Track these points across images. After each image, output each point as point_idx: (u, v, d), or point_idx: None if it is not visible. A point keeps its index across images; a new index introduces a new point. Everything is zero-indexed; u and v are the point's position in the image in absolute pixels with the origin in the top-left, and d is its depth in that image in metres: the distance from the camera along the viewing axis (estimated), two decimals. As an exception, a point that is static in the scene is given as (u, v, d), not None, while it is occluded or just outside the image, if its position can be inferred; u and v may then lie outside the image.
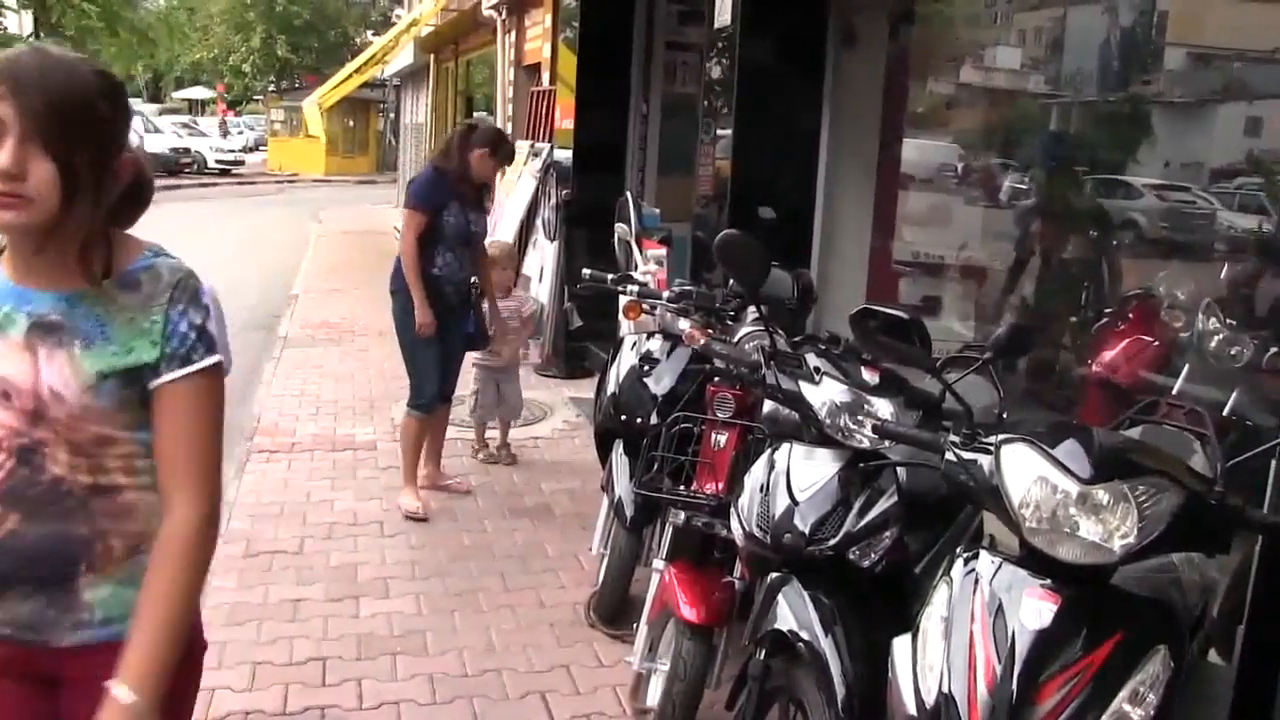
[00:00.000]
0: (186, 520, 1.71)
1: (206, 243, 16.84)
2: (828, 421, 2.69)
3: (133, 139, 1.80)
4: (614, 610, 4.21)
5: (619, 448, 4.18)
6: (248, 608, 4.34)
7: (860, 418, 2.66)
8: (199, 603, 1.85)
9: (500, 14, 14.48)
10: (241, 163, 34.93)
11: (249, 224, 20.06)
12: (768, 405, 3.20)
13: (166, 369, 1.69)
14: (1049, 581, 1.97)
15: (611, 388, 4.20)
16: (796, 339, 3.46)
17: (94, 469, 1.70)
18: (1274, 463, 2.42)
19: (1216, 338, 3.66)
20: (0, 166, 1.54)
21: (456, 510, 5.53)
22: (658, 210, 7.32)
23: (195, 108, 52.30)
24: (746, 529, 2.73)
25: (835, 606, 2.51)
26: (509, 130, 13.49)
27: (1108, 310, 4.66)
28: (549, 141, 9.86)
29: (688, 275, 7.22)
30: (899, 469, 2.64)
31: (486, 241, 5.77)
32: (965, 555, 2.13)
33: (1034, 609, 1.95)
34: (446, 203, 5.30)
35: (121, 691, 1.63)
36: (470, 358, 6.18)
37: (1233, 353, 3.61)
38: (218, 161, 32.99)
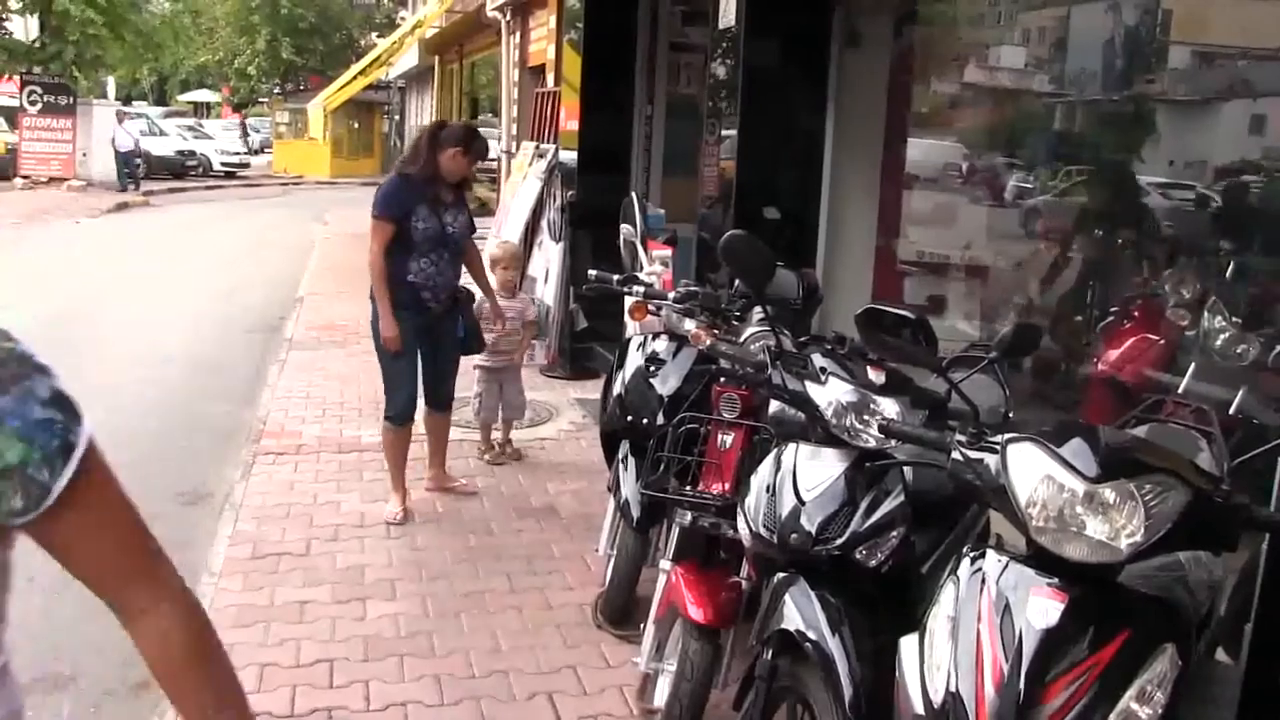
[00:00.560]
0: (168, 614, 1.44)
1: (211, 245, 16.90)
2: (834, 421, 2.69)
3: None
4: (621, 611, 4.21)
5: (625, 448, 4.18)
6: (254, 609, 4.34)
7: (866, 417, 2.66)
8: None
9: (505, 15, 14.50)
10: (247, 165, 34.98)
11: (254, 226, 20.07)
12: (773, 405, 3.20)
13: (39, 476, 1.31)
14: (1056, 580, 1.98)
15: (617, 388, 4.20)
16: (802, 339, 3.46)
17: None
18: (1280, 461, 2.42)
19: (1222, 336, 3.66)
20: None
21: (462, 511, 5.53)
22: (663, 211, 7.34)
23: (200, 110, 52.37)
24: (753, 529, 2.74)
25: (842, 606, 2.51)
26: (514, 131, 13.52)
27: (1113, 309, 4.66)
28: (554, 143, 9.86)
29: (693, 276, 7.22)
30: (905, 468, 2.65)
31: (494, 242, 5.76)
32: (972, 554, 2.13)
33: (1041, 608, 1.95)
34: (414, 207, 5.13)
35: None
36: (472, 359, 6.19)
37: (1239, 351, 3.60)
38: (223, 164, 33.03)
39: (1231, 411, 3.34)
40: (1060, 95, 5.59)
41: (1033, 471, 2.01)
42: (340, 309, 10.81)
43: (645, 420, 3.94)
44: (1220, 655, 2.70)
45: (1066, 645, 1.94)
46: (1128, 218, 4.95)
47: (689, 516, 3.43)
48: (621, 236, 5.31)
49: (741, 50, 6.19)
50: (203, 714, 1.42)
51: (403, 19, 29.15)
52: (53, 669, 4.02)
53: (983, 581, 2.05)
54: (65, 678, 3.98)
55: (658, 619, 3.50)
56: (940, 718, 2.00)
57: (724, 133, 8.27)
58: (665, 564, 3.52)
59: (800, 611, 2.53)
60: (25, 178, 24.57)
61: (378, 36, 35.30)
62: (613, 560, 4.27)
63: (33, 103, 24.90)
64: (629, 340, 4.38)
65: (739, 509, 2.86)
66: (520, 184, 10.16)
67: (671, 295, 4.11)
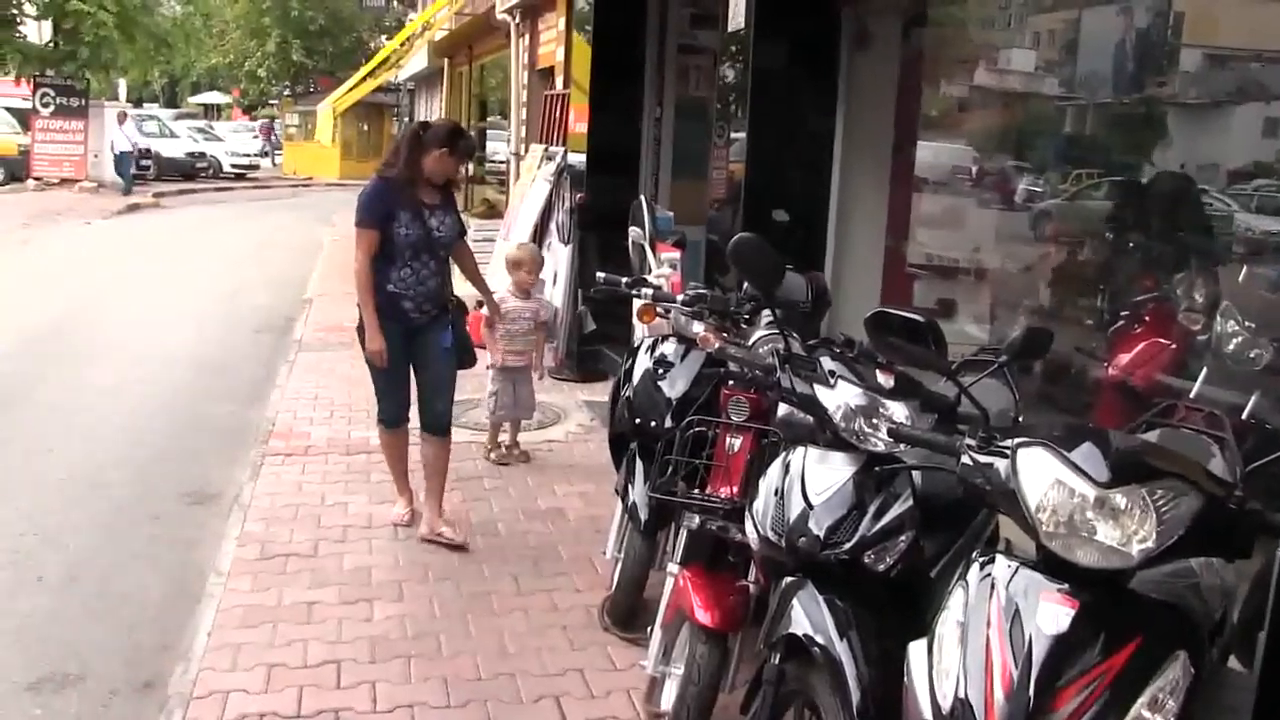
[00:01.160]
0: None
1: (220, 246, 16.94)
2: (842, 425, 2.68)
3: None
4: (628, 614, 4.20)
5: (633, 451, 4.17)
6: (262, 610, 4.34)
7: (875, 421, 2.65)
8: None
9: (514, 18, 14.51)
10: (256, 167, 35.07)
11: (263, 227, 20.12)
12: (782, 409, 3.19)
13: None
14: (1066, 586, 1.96)
15: (626, 391, 4.19)
16: (811, 342, 3.44)
17: None
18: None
19: (1235, 340, 3.63)
20: None
21: (471, 513, 5.52)
22: (672, 213, 7.32)
23: (211, 112, 52.53)
24: (761, 533, 2.73)
25: (850, 610, 2.50)
26: (523, 134, 13.53)
27: (1124, 313, 4.63)
28: (563, 145, 9.86)
29: (702, 278, 7.21)
30: (914, 472, 2.63)
31: (512, 244, 5.68)
32: (981, 559, 2.12)
33: (1051, 613, 1.94)
34: (395, 213, 4.86)
35: None
36: (485, 359, 6.18)
37: (1251, 355, 3.58)
38: (233, 166, 33.13)
39: (1244, 416, 3.32)
40: (1071, 98, 5.57)
41: (1043, 476, 2.00)
42: (348, 310, 10.71)
43: (653, 423, 3.93)
44: (1233, 663, 2.68)
45: (1077, 652, 1.92)
46: (1138, 221, 4.93)
47: (697, 520, 3.42)
48: (630, 239, 5.30)
49: (750, 52, 6.19)
50: None
51: (412, 21, 29.18)
52: (60, 668, 4.02)
53: (992, 587, 2.04)
54: (73, 677, 3.98)
55: (665, 622, 3.48)
56: (949, 724, 1.98)
57: (733, 135, 8.28)
58: (673, 567, 3.51)
59: (808, 616, 2.51)
60: (38, 179, 24.68)
61: (387, 39, 35.35)
62: (620, 563, 4.26)
63: (45, 105, 25.01)
64: (638, 343, 4.37)
65: (747, 512, 2.85)
66: (529, 186, 10.16)
67: (680, 298, 4.09)
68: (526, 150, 12.29)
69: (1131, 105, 5.06)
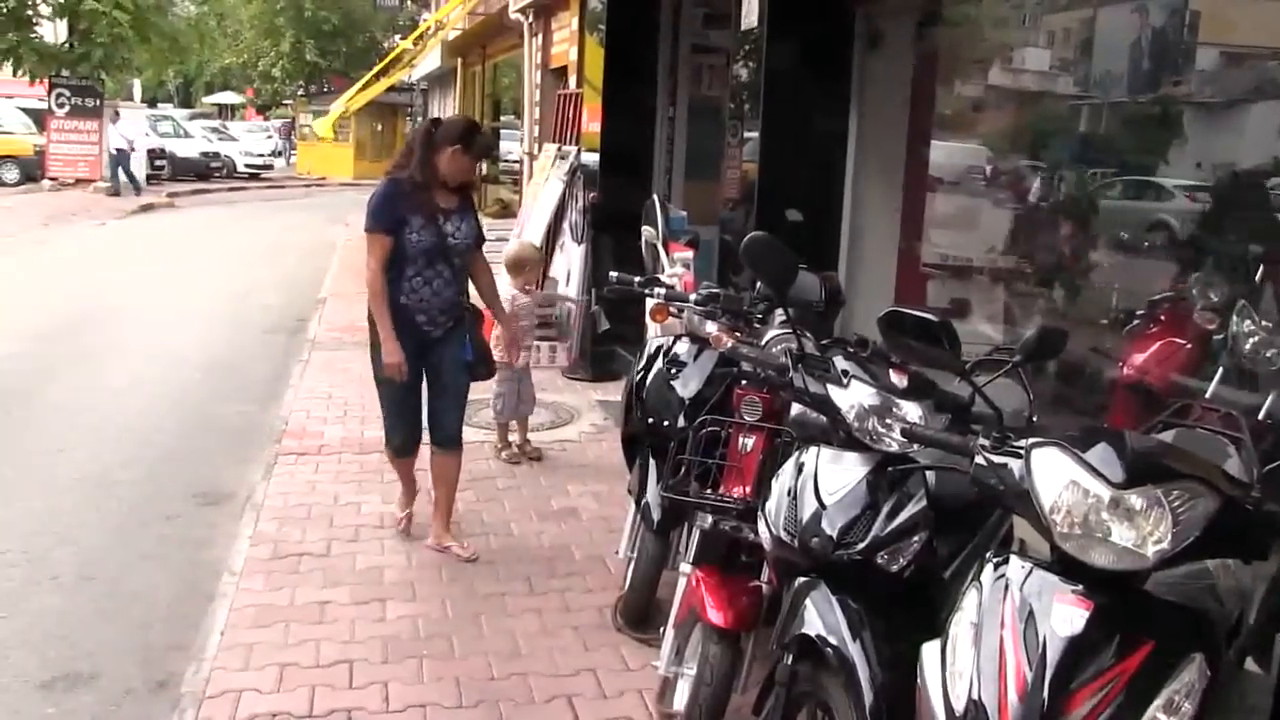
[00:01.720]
0: None
1: (234, 246, 17.00)
2: (856, 425, 2.67)
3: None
4: (640, 614, 4.20)
5: (646, 451, 4.16)
6: (274, 609, 4.35)
7: (889, 421, 2.64)
8: None
9: (527, 17, 14.53)
10: (270, 166, 35.18)
11: (276, 227, 20.19)
12: (795, 408, 3.18)
13: None
14: (1080, 587, 1.95)
15: (639, 391, 4.19)
16: (824, 342, 3.43)
17: None
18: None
19: (1251, 340, 3.61)
20: None
21: (483, 513, 5.53)
22: (685, 213, 7.31)
23: (225, 112, 52.71)
24: (774, 533, 2.72)
25: (863, 611, 2.49)
26: (536, 133, 13.54)
27: (1139, 312, 4.61)
28: (576, 145, 9.87)
29: (715, 278, 7.20)
30: (928, 473, 2.62)
31: (513, 243, 5.54)
32: (995, 560, 2.11)
33: (1065, 615, 1.93)
34: (407, 217, 4.56)
35: None
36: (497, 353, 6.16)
37: (1268, 355, 3.56)
38: (247, 166, 33.25)
39: (1261, 417, 3.30)
40: (1085, 97, 5.54)
41: (1058, 477, 1.98)
42: (362, 310, 10.70)
43: (666, 423, 3.92)
44: (1250, 665, 2.66)
45: (1091, 654, 1.91)
46: (1153, 220, 4.91)
47: (709, 520, 3.42)
48: (643, 238, 5.29)
49: (763, 52, 6.18)
50: None
51: (425, 21, 29.23)
52: (73, 668, 4.04)
53: (1006, 588, 2.02)
54: (86, 676, 3.99)
55: (678, 622, 3.48)
56: (963, 726, 1.97)
57: (746, 135, 8.27)
58: (685, 567, 3.51)
59: (821, 616, 2.51)
60: (53, 179, 24.80)
61: (401, 39, 35.40)
62: (633, 563, 4.26)
63: (60, 105, 25.13)
64: (650, 342, 4.36)
65: (760, 512, 2.84)
66: (542, 186, 10.18)
67: (693, 297, 4.08)
68: (540, 150, 12.30)
69: (1147, 104, 5.03)
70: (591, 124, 9.50)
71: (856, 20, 6.04)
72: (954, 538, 2.77)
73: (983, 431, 2.28)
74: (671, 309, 4.19)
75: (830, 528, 2.57)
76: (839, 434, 2.73)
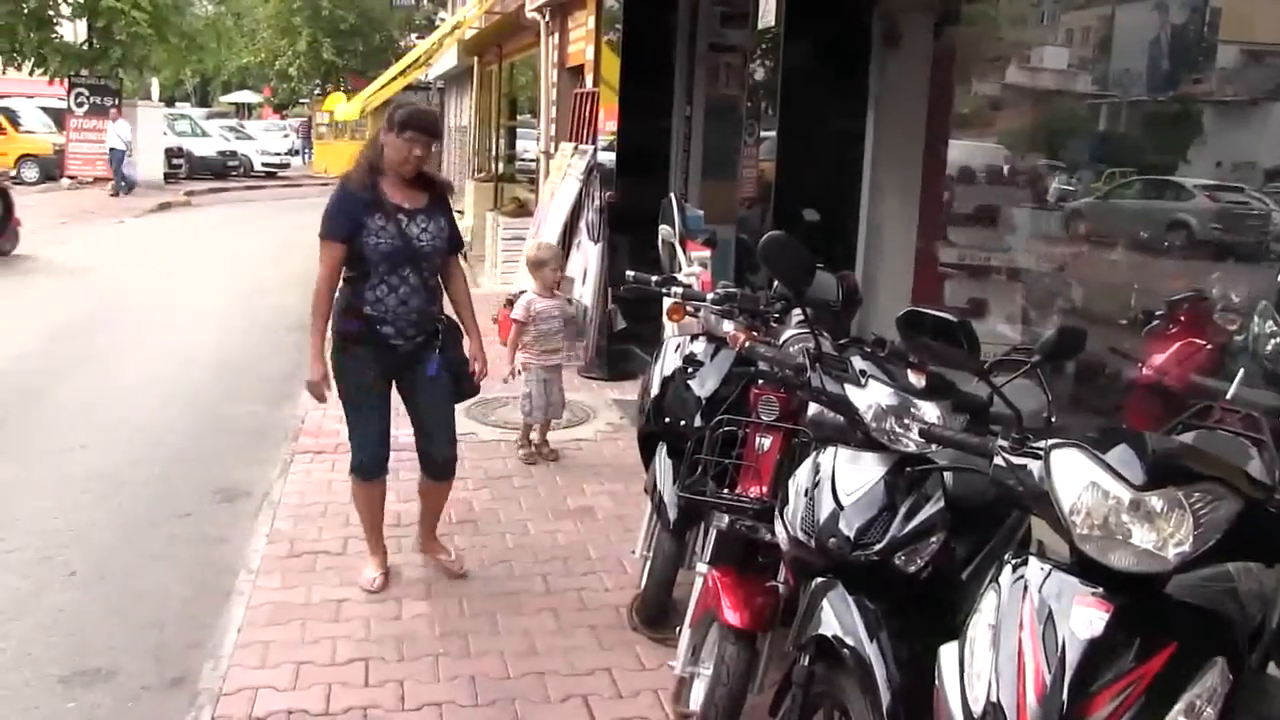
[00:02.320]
0: None
1: (250, 244, 17.07)
2: (873, 425, 2.66)
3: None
4: (656, 614, 4.19)
5: (662, 450, 4.16)
6: (290, 607, 4.37)
7: (906, 421, 2.63)
8: None
9: (543, 16, 14.52)
10: (287, 165, 35.31)
11: (292, 226, 20.17)
12: (812, 408, 3.17)
13: None
14: (1100, 590, 1.94)
15: (655, 390, 4.18)
16: (842, 341, 3.42)
17: None
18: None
19: (1273, 340, 3.58)
20: None
21: (499, 512, 5.53)
22: (701, 212, 7.30)
23: (242, 111, 52.94)
24: (791, 533, 2.71)
25: (880, 612, 2.48)
26: (553, 132, 13.54)
27: (1159, 313, 4.58)
28: (592, 144, 9.87)
29: (732, 277, 7.19)
30: (946, 473, 2.61)
31: (533, 242, 5.42)
32: (1014, 562, 2.09)
33: (1085, 617, 1.91)
34: (362, 220, 4.18)
35: None
36: (520, 358, 6.18)
37: (1290, 356, 3.53)
38: (264, 164, 33.39)
39: (1282, 418, 3.27)
40: (1104, 96, 5.51)
41: (1077, 478, 1.97)
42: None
43: (683, 422, 3.92)
44: (1272, 669, 2.64)
45: (1111, 656, 1.89)
46: (1173, 220, 4.88)
47: (726, 519, 3.40)
48: (660, 237, 5.28)
49: (781, 51, 6.17)
50: None
51: (442, 20, 29.27)
52: (91, 664, 4.05)
53: (1025, 589, 2.01)
54: (104, 672, 4.01)
55: (694, 622, 3.47)
56: (981, 728, 1.96)
57: (763, 133, 8.24)
58: (702, 567, 3.50)
59: (838, 617, 2.50)
60: (72, 178, 24.96)
61: (417, 38, 35.45)
62: (649, 562, 4.25)
63: (79, 104, 25.31)
64: (667, 342, 4.36)
65: (777, 512, 2.84)
66: (559, 184, 10.18)
67: (710, 296, 4.08)
68: (556, 148, 12.30)
69: (1167, 103, 5.00)
70: (608, 123, 9.51)
71: (874, 19, 6.03)
72: (972, 539, 2.75)
73: (1001, 432, 2.27)
74: (688, 308, 4.18)
75: (848, 528, 2.57)
76: (856, 434, 2.72)
